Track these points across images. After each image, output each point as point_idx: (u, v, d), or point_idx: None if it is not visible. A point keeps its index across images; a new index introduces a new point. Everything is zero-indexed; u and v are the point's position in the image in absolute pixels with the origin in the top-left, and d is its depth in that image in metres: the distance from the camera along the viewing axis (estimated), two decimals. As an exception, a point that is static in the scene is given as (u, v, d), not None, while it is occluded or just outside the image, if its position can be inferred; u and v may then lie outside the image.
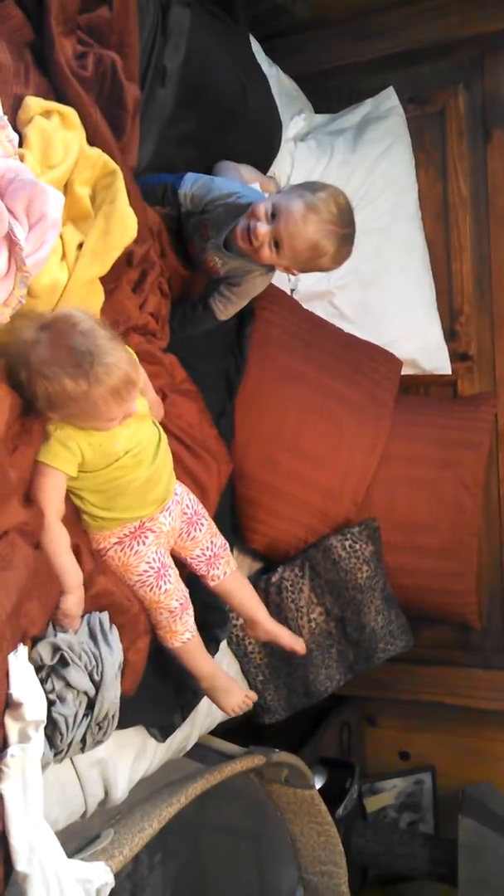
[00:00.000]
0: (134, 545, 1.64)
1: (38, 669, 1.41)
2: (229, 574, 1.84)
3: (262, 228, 1.84)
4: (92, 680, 1.48)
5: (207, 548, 1.80)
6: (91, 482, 1.57)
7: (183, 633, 1.73)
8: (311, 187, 1.88)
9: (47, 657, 1.43)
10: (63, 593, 1.48)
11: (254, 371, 2.37)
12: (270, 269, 1.99)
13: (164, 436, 1.70)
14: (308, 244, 1.85)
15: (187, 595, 1.74)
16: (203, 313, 2.06)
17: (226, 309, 2.05)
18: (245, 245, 1.89)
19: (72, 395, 1.42)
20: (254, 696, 1.89)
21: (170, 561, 1.72)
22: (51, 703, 1.42)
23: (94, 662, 1.49)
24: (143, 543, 1.65)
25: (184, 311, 2.06)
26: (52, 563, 1.48)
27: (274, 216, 1.85)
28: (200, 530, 1.79)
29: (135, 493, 1.61)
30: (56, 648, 1.44)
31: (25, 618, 1.37)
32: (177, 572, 1.72)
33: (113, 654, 1.53)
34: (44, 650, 1.43)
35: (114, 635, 1.57)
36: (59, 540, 1.50)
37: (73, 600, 1.50)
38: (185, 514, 1.77)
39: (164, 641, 1.73)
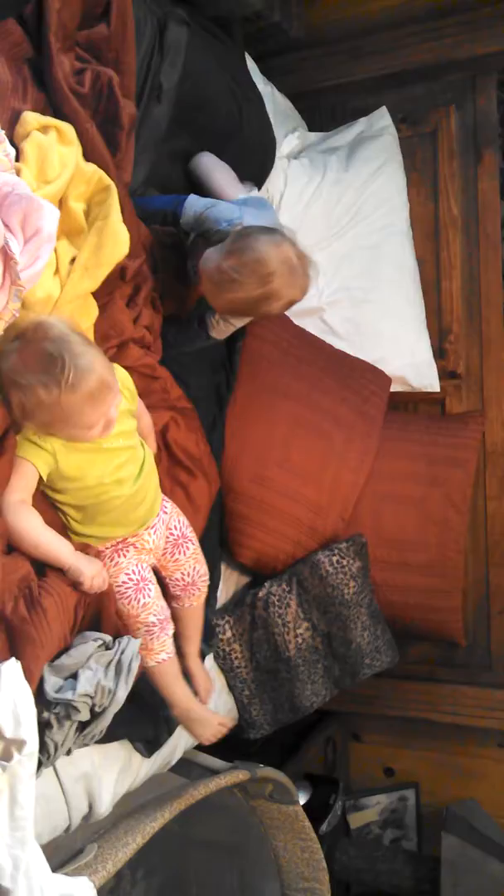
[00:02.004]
0: (115, 556, 1.64)
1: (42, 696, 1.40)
2: (194, 606, 1.85)
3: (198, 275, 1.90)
4: (92, 712, 1.48)
5: (188, 574, 1.80)
6: (72, 497, 1.56)
7: (159, 651, 1.71)
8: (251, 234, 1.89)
9: (52, 690, 1.42)
10: (69, 572, 1.48)
11: (244, 386, 2.38)
12: None
13: (149, 455, 1.70)
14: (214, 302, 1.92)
15: (168, 614, 1.73)
16: (198, 331, 2.06)
17: (220, 328, 2.06)
18: None
19: (45, 403, 1.40)
20: (228, 722, 1.90)
21: (151, 576, 1.70)
22: (47, 726, 1.41)
23: (104, 699, 1.48)
24: (124, 556, 1.65)
25: (179, 327, 2.06)
26: (36, 548, 1.46)
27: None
28: (185, 553, 1.79)
29: (116, 510, 1.60)
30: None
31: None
32: (158, 589, 1.71)
33: (126, 691, 1.52)
34: (50, 688, 1.42)
35: (134, 669, 1.55)
36: (28, 519, 1.47)
37: (84, 573, 1.48)
38: (172, 534, 1.77)
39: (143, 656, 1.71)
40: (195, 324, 2.06)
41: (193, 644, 1.90)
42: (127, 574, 1.64)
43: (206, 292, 1.90)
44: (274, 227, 1.93)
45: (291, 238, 1.87)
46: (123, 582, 1.64)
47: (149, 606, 1.66)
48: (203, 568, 1.84)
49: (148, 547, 1.69)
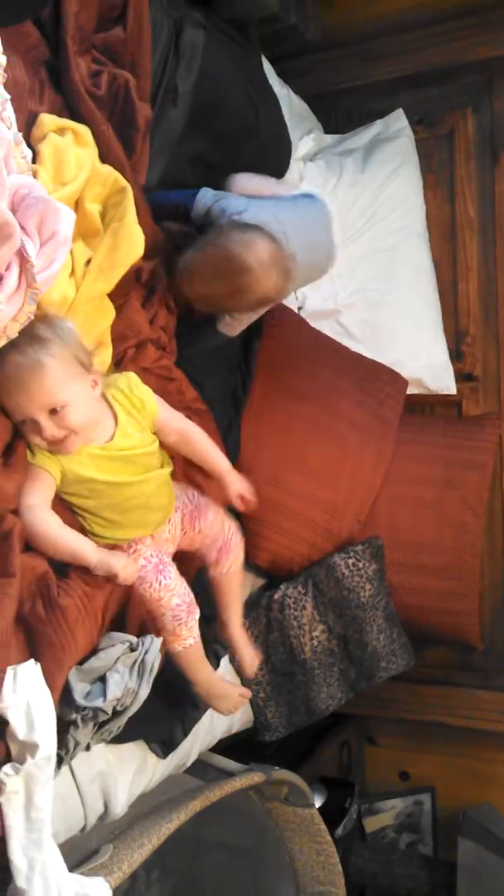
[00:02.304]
0: (132, 544, 1.64)
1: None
2: (235, 569, 1.84)
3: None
4: (114, 711, 1.48)
5: (217, 537, 1.80)
6: (88, 501, 1.56)
7: (187, 637, 1.68)
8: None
9: (80, 697, 1.42)
10: (97, 567, 1.48)
11: (260, 388, 2.38)
12: None
13: (167, 464, 1.71)
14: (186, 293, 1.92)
15: (192, 598, 1.70)
16: (211, 330, 2.07)
17: (231, 325, 2.06)
18: None
19: None
20: (248, 692, 1.89)
21: (169, 560, 1.70)
22: (73, 725, 1.41)
23: (128, 699, 1.48)
24: (142, 543, 1.65)
25: (190, 327, 2.07)
26: (56, 547, 1.46)
27: None
28: (206, 521, 1.78)
29: (132, 512, 1.61)
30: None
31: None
32: (177, 572, 1.69)
33: (147, 690, 1.52)
34: (79, 695, 1.42)
35: (156, 668, 1.55)
36: (45, 520, 1.46)
37: (114, 565, 1.49)
38: (185, 509, 1.77)
39: (166, 645, 1.68)
40: (206, 323, 2.06)
41: (235, 611, 1.89)
42: (145, 558, 1.63)
43: (181, 283, 1.90)
44: (280, 224, 1.92)
45: (272, 236, 1.85)
46: (142, 566, 1.62)
47: (171, 587, 1.64)
48: (232, 525, 1.82)
49: (165, 537, 1.69)
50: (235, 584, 1.88)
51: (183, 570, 1.74)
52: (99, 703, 1.41)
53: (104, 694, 1.42)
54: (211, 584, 1.85)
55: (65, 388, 1.45)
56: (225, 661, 2.20)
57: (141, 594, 1.63)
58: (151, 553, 1.65)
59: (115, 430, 1.58)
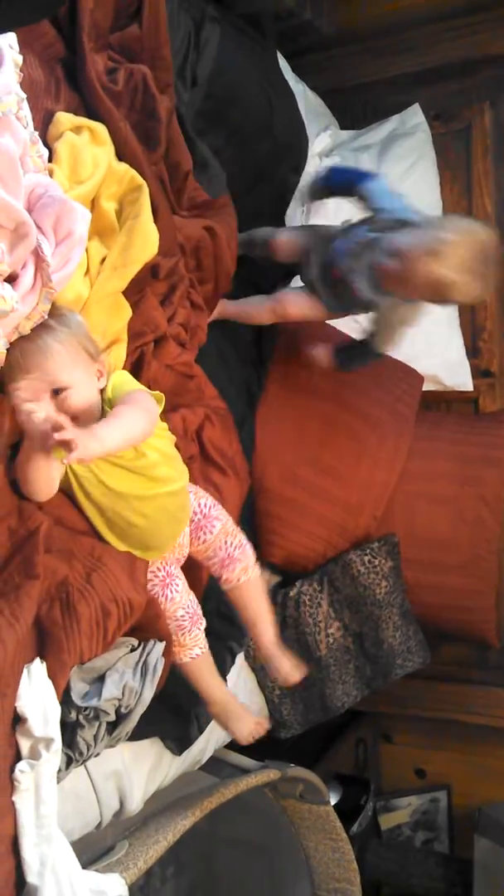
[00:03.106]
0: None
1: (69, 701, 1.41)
2: (244, 581, 1.75)
3: (387, 265, 1.85)
4: (118, 713, 1.48)
5: (221, 548, 1.74)
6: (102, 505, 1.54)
7: (192, 647, 1.69)
8: (444, 227, 1.84)
9: (77, 698, 1.42)
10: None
11: (275, 384, 2.38)
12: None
13: (184, 489, 1.66)
14: (427, 285, 1.83)
15: (198, 610, 1.71)
16: (364, 350, 2.14)
17: (380, 341, 2.09)
18: (380, 281, 1.91)
19: None
20: (265, 723, 1.82)
21: (177, 572, 1.69)
22: (78, 726, 1.42)
23: (131, 700, 1.47)
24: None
25: (349, 350, 2.16)
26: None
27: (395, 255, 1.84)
28: (212, 532, 1.73)
29: (135, 533, 1.57)
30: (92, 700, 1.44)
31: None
32: (186, 585, 1.70)
33: (152, 691, 1.52)
34: (76, 695, 1.42)
35: (159, 670, 1.55)
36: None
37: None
38: (193, 520, 1.72)
39: (173, 657, 1.69)
40: (360, 345, 2.13)
41: (262, 624, 1.79)
42: (152, 571, 1.63)
43: (397, 277, 1.87)
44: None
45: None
46: (150, 579, 1.62)
47: (176, 601, 1.65)
48: (237, 539, 1.75)
49: (174, 554, 1.68)
50: (253, 596, 1.78)
51: (195, 577, 1.74)
52: (93, 702, 1.41)
53: (100, 695, 1.42)
54: (230, 601, 1.80)
55: (69, 372, 1.43)
56: (241, 657, 2.20)
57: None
58: (158, 566, 1.64)
59: None
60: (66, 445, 1.27)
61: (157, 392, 1.58)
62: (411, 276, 1.82)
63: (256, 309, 2.22)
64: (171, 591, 1.65)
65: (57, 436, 1.27)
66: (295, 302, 2.16)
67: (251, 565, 1.77)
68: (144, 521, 1.55)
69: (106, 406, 1.50)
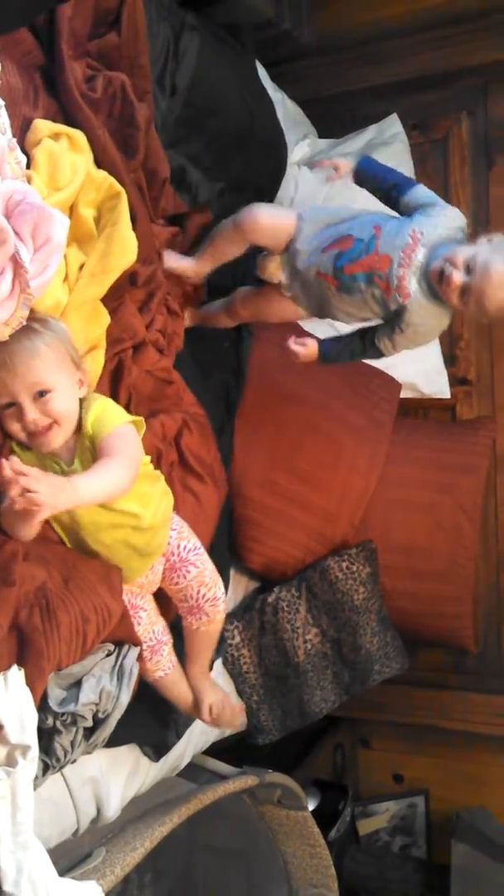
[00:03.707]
0: None
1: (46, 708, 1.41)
2: (203, 630, 1.75)
3: (457, 278, 1.79)
4: (95, 718, 1.48)
5: (192, 596, 1.71)
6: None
7: (155, 671, 1.73)
8: None
9: (55, 704, 1.42)
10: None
11: (253, 391, 2.39)
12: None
13: (157, 527, 1.63)
14: (498, 306, 1.80)
15: (163, 637, 1.74)
16: (368, 349, 2.02)
17: (395, 346, 1.99)
18: (436, 284, 1.85)
19: None
20: (231, 700, 1.90)
21: (142, 603, 1.69)
22: (55, 732, 1.42)
23: (108, 705, 1.47)
24: None
25: (348, 345, 2.04)
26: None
27: (471, 269, 1.79)
28: (185, 578, 1.69)
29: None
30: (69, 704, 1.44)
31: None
32: (152, 615, 1.72)
33: (128, 696, 1.52)
34: (54, 701, 1.42)
35: (135, 674, 1.55)
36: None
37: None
38: (170, 559, 1.69)
39: (143, 674, 1.69)
40: (364, 343, 2.01)
41: (196, 665, 1.82)
42: None
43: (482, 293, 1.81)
44: None
45: None
46: None
47: (139, 634, 1.65)
48: (211, 592, 1.71)
49: (140, 581, 1.65)
50: (202, 644, 1.79)
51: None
52: (71, 707, 1.41)
53: (77, 700, 1.42)
54: (184, 634, 1.79)
55: (53, 374, 1.44)
56: (219, 664, 2.21)
57: None
58: (124, 597, 1.58)
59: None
60: (30, 503, 1.26)
61: (138, 417, 1.56)
62: (482, 294, 1.78)
63: (222, 237, 2.04)
64: (136, 624, 1.64)
65: (19, 487, 1.25)
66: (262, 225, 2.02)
67: (217, 619, 1.76)
68: (105, 550, 1.54)
69: (86, 441, 1.48)
